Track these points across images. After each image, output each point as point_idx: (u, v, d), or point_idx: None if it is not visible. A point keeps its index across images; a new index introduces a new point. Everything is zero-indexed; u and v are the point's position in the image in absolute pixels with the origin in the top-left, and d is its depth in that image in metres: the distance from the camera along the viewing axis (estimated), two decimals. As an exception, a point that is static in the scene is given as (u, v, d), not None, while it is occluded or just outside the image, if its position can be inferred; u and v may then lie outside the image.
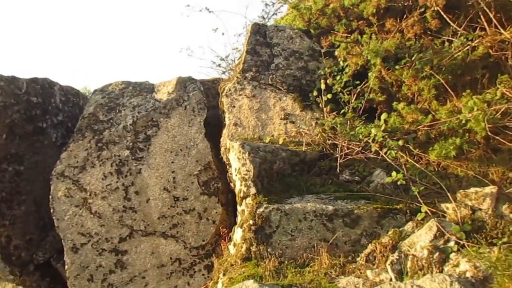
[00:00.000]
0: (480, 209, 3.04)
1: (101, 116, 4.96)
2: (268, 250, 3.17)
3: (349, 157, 3.83)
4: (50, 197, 4.68)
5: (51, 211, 4.67)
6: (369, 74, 4.19)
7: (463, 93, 3.68)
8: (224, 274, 3.25)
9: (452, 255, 2.66)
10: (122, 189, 4.71)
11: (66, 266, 4.61)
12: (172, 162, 4.78)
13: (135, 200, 4.70)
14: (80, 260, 4.60)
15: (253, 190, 3.38)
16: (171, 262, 4.68)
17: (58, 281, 5.16)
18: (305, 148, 4.08)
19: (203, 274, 4.70)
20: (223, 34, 6.77)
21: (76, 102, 6.31)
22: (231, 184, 4.22)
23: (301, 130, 4.21)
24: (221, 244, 4.77)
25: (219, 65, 6.51)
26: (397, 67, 3.99)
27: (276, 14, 6.85)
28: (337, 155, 3.95)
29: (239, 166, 3.53)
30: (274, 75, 4.68)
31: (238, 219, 3.60)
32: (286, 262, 3.11)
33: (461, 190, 3.20)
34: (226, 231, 4.74)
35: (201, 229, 4.72)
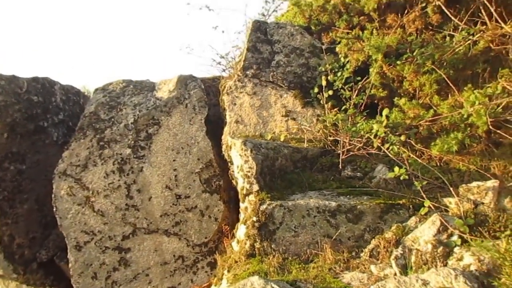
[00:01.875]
0: (483, 203, 3.04)
1: (103, 115, 4.96)
2: (272, 246, 3.18)
3: (351, 153, 3.84)
4: (53, 195, 4.69)
5: (54, 209, 4.67)
6: (370, 70, 4.19)
7: (465, 88, 3.68)
8: (228, 271, 3.26)
9: (456, 249, 2.67)
10: (125, 187, 4.71)
11: (70, 264, 4.62)
12: (174, 160, 4.78)
13: (138, 198, 4.71)
14: (83, 258, 4.60)
15: (256, 187, 3.39)
16: (174, 260, 4.69)
17: (61, 279, 5.18)
18: (307, 145, 4.08)
19: (206, 271, 4.72)
20: (223, 32, 6.74)
21: (76, 101, 6.31)
22: (233, 182, 4.23)
23: (302, 126, 4.21)
24: (224, 241, 4.77)
25: (219, 63, 6.49)
26: (398, 62, 3.98)
27: (276, 11, 6.83)
28: (338, 151, 3.95)
29: (241, 163, 3.53)
30: (275, 72, 4.67)
31: (241, 216, 3.60)
32: (290, 258, 3.12)
33: (463, 185, 3.21)
34: (228, 228, 4.75)
35: (204, 227, 4.73)
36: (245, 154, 3.51)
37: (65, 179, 4.72)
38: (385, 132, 3.58)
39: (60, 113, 5.83)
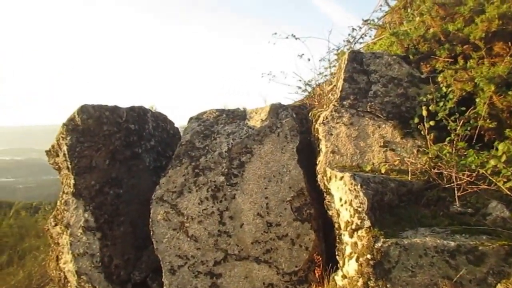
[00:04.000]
0: None
1: (197, 143, 5.15)
2: (387, 286, 3.09)
3: (461, 187, 3.68)
4: (150, 220, 4.90)
5: (151, 233, 4.87)
6: (477, 100, 4.02)
7: None
8: (341, 308, 3.21)
9: None
10: (217, 214, 4.83)
11: (165, 287, 4.77)
12: (266, 188, 4.84)
13: (230, 225, 4.80)
14: (177, 282, 4.75)
15: (367, 223, 3.33)
16: (264, 287, 4.71)
17: (153, 300, 5.36)
18: (410, 178, 3.97)
19: (295, 301, 4.68)
20: (309, 59, 6.78)
21: (164, 127, 6.62)
22: (329, 212, 4.19)
23: (405, 158, 4.11)
24: (315, 271, 4.72)
25: (305, 90, 6.56)
26: (510, 92, 3.80)
27: (362, 38, 6.81)
28: (444, 185, 3.81)
29: (350, 198, 3.50)
30: (372, 103, 4.62)
31: (347, 250, 3.55)
32: (407, 299, 3.02)
33: None
34: (319, 258, 4.70)
35: (294, 255, 4.72)
36: (355, 189, 3.47)
37: (162, 204, 4.92)
38: (504, 168, 3.40)
39: (152, 139, 6.14)
